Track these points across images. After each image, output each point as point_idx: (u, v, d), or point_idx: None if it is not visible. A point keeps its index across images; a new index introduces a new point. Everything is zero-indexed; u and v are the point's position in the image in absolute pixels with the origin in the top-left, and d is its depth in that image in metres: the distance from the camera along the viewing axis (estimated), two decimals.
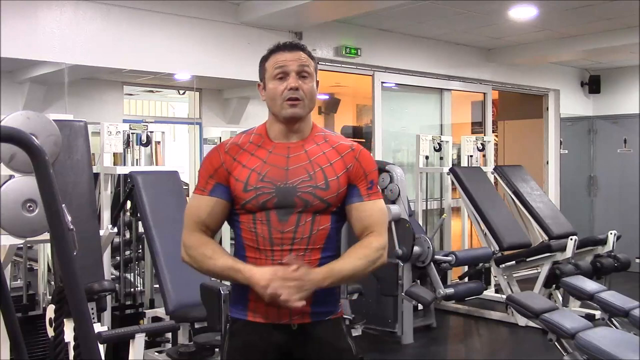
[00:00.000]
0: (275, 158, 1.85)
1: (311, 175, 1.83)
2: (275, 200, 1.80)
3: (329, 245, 1.84)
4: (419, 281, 5.15)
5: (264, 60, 1.92)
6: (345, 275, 1.80)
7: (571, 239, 5.55)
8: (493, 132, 7.75)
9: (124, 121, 4.88)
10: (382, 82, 6.41)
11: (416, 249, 4.89)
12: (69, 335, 2.78)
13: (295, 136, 1.88)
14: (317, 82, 1.94)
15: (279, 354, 1.83)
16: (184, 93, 6.20)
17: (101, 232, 3.86)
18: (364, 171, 1.88)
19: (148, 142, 4.73)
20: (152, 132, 4.73)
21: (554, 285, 5.47)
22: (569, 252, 5.50)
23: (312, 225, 1.81)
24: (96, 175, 4.29)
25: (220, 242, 4.90)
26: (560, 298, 5.54)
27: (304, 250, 1.80)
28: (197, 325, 3.89)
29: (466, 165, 6.63)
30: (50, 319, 2.94)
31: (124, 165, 4.64)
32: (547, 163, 8.20)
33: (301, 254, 1.80)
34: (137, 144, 4.73)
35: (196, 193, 1.90)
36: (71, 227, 1.32)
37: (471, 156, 6.71)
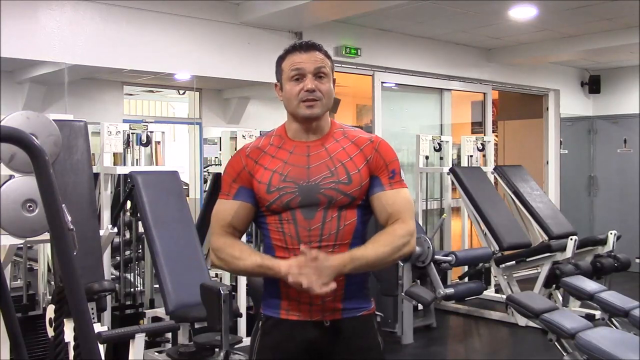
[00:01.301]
0: (296, 158, 1.86)
1: (332, 172, 1.84)
2: (299, 199, 1.82)
3: (356, 239, 1.84)
4: (419, 281, 5.15)
5: (280, 60, 1.92)
6: (368, 261, 1.79)
7: (571, 239, 5.55)
8: (493, 132, 7.75)
9: (124, 121, 4.88)
10: (382, 82, 6.41)
11: (416, 249, 4.89)
12: (69, 335, 2.77)
13: (314, 134, 1.90)
14: (334, 79, 1.94)
15: (311, 350, 1.84)
16: (184, 93, 6.20)
17: (101, 232, 3.86)
18: (384, 161, 1.88)
19: (148, 142, 4.73)
20: (152, 132, 4.73)
21: (554, 285, 5.47)
22: (569, 252, 5.50)
23: (338, 221, 1.82)
24: (96, 175, 4.29)
25: None
26: (560, 298, 5.53)
27: (332, 246, 1.81)
28: (197, 325, 3.90)
29: (466, 165, 6.63)
30: (50, 319, 2.94)
31: (124, 165, 4.64)
32: (547, 163, 8.20)
33: (329, 250, 1.80)
34: (137, 144, 4.73)
35: (221, 198, 1.92)
36: (71, 227, 1.32)
37: (471, 156, 6.71)
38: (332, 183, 1.82)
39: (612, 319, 3.85)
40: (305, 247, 1.74)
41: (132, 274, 5.05)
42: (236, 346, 3.63)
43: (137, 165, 4.70)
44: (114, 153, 4.58)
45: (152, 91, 6.19)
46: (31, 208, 2.94)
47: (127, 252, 5.11)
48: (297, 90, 1.85)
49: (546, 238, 5.91)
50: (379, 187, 1.86)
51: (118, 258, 5.02)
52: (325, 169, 1.84)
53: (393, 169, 1.88)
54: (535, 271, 6.12)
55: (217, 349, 3.71)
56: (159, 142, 4.82)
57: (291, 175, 1.83)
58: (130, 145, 4.69)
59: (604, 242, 5.80)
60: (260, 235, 1.99)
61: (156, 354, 4.13)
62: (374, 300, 1.95)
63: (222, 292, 3.32)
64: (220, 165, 4.94)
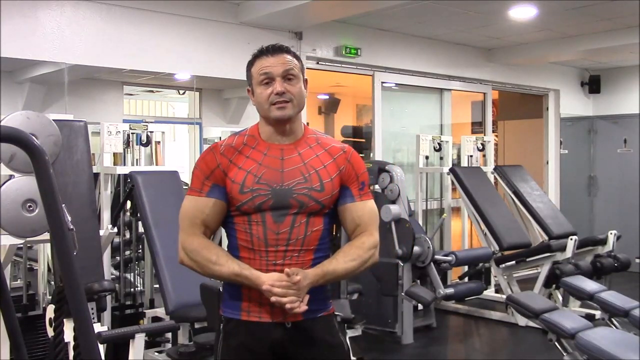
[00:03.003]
0: (270, 160, 1.87)
1: (306, 178, 1.86)
2: (271, 202, 1.83)
3: (321, 246, 1.88)
4: (419, 281, 5.15)
5: (249, 65, 1.94)
6: (337, 275, 1.87)
7: (571, 239, 5.55)
8: (493, 132, 7.75)
9: (124, 121, 4.88)
10: (382, 82, 6.41)
11: (416, 249, 4.89)
12: (69, 335, 2.78)
13: (288, 138, 1.91)
14: (306, 80, 1.95)
15: (274, 352, 1.86)
16: (184, 93, 6.19)
17: (101, 232, 3.86)
18: (355, 173, 1.93)
19: (148, 142, 4.72)
20: (152, 132, 4.72)
21: (554, 285, 5.47)
22: (569, 252, 5.50)
23: (306, 227, 1.85)
24: (96, 175, 4.29)
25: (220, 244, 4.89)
26: (560, 298, 5.53)
27: (298, 251, 1.83)
28: (197, 325, 3.90)
29: (466, 165, 6.63)
30: (50, 319, 2.94)
31: (124, 165, 4.64)
32: (547, 163, 8.20)
33: (295, 254, 1.83)
34: (137, 144, 4.73)
35: (191, 195, 1.90)
36: (71, 227, 1.32)
37: (471, 156, 6.71)
38: (305, 189, 1.85)
39: (612, 319, 3.85)
40: (289, 269, 1.77)
41: (132, 274, 5.05)
42: None
43: (137, 165, 4.69)
44: (114, 153, 4.58)
45: (152, 91, 6.19)
46: (31, 208, 2.94)
47: (127, 252, 5.11)
48: (268, 94, 1.86)
49: (546, 238, 5.91)
50: (349, 197, 1.91)
51: (118, 258, 5.02)
52: (299, 174, 1.86)
53: (363, 181, 1.94)
54: (535, 271, 6.12)
55: None
56: (159, 142, 4.81)
57: (265, 178, 1.84)
58: (130, 145, 4.68)
59: (604, 242, 5.80)
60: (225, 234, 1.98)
61: (156, 354, 4.13)
62: (331, 302, 2.00)
63: (222, 292, 3.31)
64: None
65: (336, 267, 1.84)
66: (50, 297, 3.88)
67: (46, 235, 3.01)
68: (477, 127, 7.95)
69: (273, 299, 1.75)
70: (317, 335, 1.88)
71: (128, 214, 4.89)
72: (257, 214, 1.83)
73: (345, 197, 1.91)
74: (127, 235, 5.07)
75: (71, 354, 2.71)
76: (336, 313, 2.02)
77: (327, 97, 9.04)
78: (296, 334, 1.85)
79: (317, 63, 5.75)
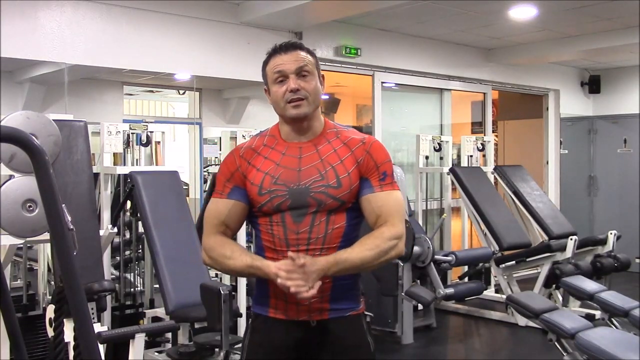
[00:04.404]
0: (288, 160, 1.86)
1: (323, 175, 1.83)
2: (289, 202, 1.82)
3: (345, 243, 1.84)
4: (419, 281, 5.15)
5: (264, 64, 1.93)
6: (352, 265, 1.78)
7: (571, 239, 5.55)
8: (493, 132, 7.75)
9: (124, 121, 4.88)
10: (382, 82, 6.41)
11: (416, 249, 4.89)
12: (69, 335, 2.77)
13: (307, 135, 1.90)
14: (323, 76, 1.94)
15: (298, 350, 1.86)
16: (184, 93, 6.19)
17: (101, 232, 3.86)
18: (375, 163, 1.86)
19: (148, 142, 4.73)
20: (152, 132, 4.72)
21: (554, 285, 5.47)
22: (569, 252, 5.50)
23: (326, 225, 1.82)
24: (96, 175, 4.29)
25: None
26: (560, 298, 5.53)
27: (320, 250, 1.81)
28: (197, 325, 3.90)
29: (466, 165, 6.63)
30: (50, 319, 2.94)
31: (124, 165, 4.64)
32: (547, 163, 8.20)
33: (317, 253, 1.80)
34: (137, 144, 4.73)
35: (215, 197, 1.93)
36: (71, 227, 1.32)
37: (471, 156, 6.71)
38: (322, 187, 1.82)
39: (612, 319, 3.85)
40: (293, 253, 1.74)
41: (132, 274, 5.05)
42: (236, 346, 3.63)
43: (137, 165, 4.70)
44: (114, 153, 4.58)
45: (152, 91, 6.19)
46: (31, 208, 2.94)
47: (127, 252, 5.11)
48: (282, 92, 1.85)
49: (546, 238, 5.91)
50: (368, 188, 1.85)
51: (118, 258, 5.02)
52: (316, 172, 1.84)
53: (384, 171, 1.87)
54: (535, 271, 6.12)
55: (217, 349, 3.72)
56: (159, 142, 4.82)
57: (282, 178, 1.84)
58: (130, 145, 4.68)
59: (604, 242, 5.80)
60: (254, 235, 1.99)
61: (156, 354, 4.13)
62: (363, 300, 1.96)
63: (222, 292, 3.32)
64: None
65: (350, 256, 1.77)
66: (50, 297, 3.88)
67: (46, 235, 3.01)
68: (477, 127, 7.95)
69: (279, 281, 1.72)
70: (342, 335, 1.86)
71: (128, 214, 4.90)
72: (277, 214, 1.83)
73: (364, 188, 1.84)
74: (127, 235, 5.07)
75: (71, 354, 2.71)
76: (366, 313, 1.96)
77: (327, 97, 9.04)
78: (320, 333, 1.84)
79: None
